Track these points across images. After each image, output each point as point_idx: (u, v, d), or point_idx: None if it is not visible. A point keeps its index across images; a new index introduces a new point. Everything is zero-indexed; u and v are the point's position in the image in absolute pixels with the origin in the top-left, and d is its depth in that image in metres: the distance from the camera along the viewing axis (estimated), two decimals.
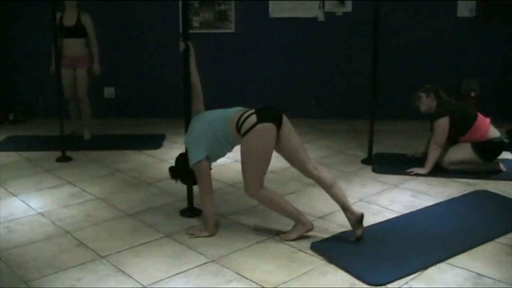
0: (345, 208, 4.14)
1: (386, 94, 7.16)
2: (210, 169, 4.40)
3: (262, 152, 4.02)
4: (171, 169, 4.46)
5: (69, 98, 6.94)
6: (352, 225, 4.12)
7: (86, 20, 6.74)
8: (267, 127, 4.00)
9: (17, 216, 4.71)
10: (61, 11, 6.65)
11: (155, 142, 6.94)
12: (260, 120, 3.99)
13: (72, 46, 6.77)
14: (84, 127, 7.02)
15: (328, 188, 4.19)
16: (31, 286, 3.58)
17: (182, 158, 4.36)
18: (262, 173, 4.08)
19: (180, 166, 4.38)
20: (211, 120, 4.23)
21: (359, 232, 4.09)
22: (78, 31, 6.73)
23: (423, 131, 6.19)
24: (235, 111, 4.18)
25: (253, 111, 4.08)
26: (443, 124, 5.55)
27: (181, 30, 4.63)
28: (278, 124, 4.04)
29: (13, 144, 6.91)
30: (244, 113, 4.09)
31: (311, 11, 7.72)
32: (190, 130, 4.32)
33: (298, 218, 4.19)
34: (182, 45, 4.46)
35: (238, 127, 4.04)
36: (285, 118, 4.12)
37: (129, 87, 8.10)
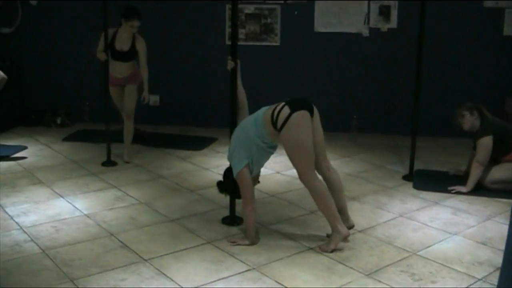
0: (342, 213, 4.29)
1: (429, 110, 7.15)
2: (258, 182, 4.49)
3: (304, 139, 4.08)
4: (219, 183, 4.54)
5: (122, 113, 6.76)
6: (333, 231, 4.23)
7: (141, 46, 6.41)
8: (302, 114, 4.07)
9: (63, 217, 4.86)
10: (114, 28, 6.37)
11: (202, 143, 7.29)
12: (293, 109, 4.06)
13: (122, 69, 6.48)
14: (124, 148, 6.62)
15: (334, 190, 4.31)
16: (77, 284, 3.69)
17: (229, 173, 4.41)
18: (311, 160, 4.13)
19: (227, 180, 4.43)
20: (244, 126, 4.31)
21: (329, 246, 4.21)
22: (130, 56, 6.46)
23: (465, 148, 6.16)
24: (263, 111, 4.25)
25: (283, 103, 4.15)
26: (486, 142, 5.52)
27: (227, 42, 4.71)
28: (311, 113, 4.12)
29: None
30: (275, 108, 4.15)
31: (356, 26, 7.76)
32: (230, 143, 4.41)
33: (335, 225, 4.22)
34: (231, 64, 4.55)
35: (274, 122, 4.10)
36: (316, 110, 4.20)
37: (174, 95, 8.24)
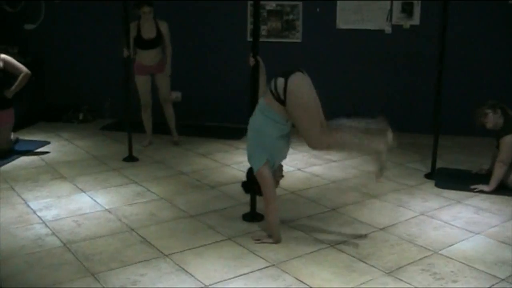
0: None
1: (450, 108, 7.08)
2: (282, 176, 4.46)
3: (307, 100, 4.09)
4: (244, 184, 4.51)
5: (145, 105, 6.95)
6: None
7: (165, 28, 6.70)
8: (296, 76, 4.10)
9: (85, 211, 4.89)
10: (136, 21, 6.61)
11: (233, 133, 7.43)
12: (286, 76, 4.08)
13: (152, 57, 6.73)
14: (172, 131, 7.14)
15: None
16: (98, 279, 3.72)
17: (251, 172, 4.37)
18: (317, 120, 4.11)
19: (251, 179, 4.39)
20: (253, 122, 4.25)
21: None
22: (158, 41, 6.71)
23: (487, 147, 6.09)
24: (261, 98, 4.25)
25: (274, 78, 4.14)
26: (510, 141, 5.45)
27: (249, 38, 4.70)
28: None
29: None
30: (269, 87, 4.14)
31: (378, 23, 7.71)
32: (247, 145, 4.36)
33: (374, 147, 4.20)
34: (252, 61, 4.54)
35: (277, 97, 4.07)
36: (306, 73, 4.21)
37: (196, 92, 8.25)
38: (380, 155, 4.18)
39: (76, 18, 8.37)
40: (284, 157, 4.41)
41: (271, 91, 4.10)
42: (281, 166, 4.48)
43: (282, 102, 4.06)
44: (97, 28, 8.25)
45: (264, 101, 4.18)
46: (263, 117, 4.16)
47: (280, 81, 4.07)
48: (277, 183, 4.44)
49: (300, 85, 4.09)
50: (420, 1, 7.53)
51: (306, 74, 4.20)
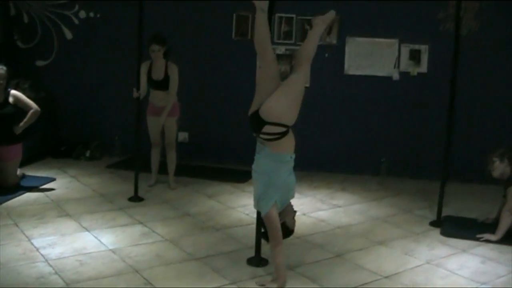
0: None
1: (459, 155, 7.08)
2: (295, 211, 4.42)
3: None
4: (264, 234, 4.45)
5: (155, 144, 6.96)
6: None
7: (173, 72, 6.66)
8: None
9: (89, 251, 4.88)
10: (149, 60, 6.67)
11: (240, 176, 7.38)
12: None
13: (160, 98, 6.74)
14: (170, 176, 7.00)
15: None
16: None
17: None
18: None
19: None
20: (258, 164, 4.26)
21: None
22: (166, 83, 6.67)
23: (496, 196, 6.07)
24: (259, 142, 4.26)
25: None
26: None
27: None
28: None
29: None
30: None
31: (387, 69, 7.79)
32: (253, 191, 4.35)
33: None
34: None
35: (270, 136, 4.11)
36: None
37: (203, 133, 8.29)
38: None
39: (88, 55, 8.46)
40: (293, 196, 4.38)
41: (257, 138, 4.18)
42: (290, 203, 4.43)
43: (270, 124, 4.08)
44: (109, 65, 8.32)
45: (267, 148, 4.16)
46: (269, 161, 4.17)
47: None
48: (293, 221, 4.41)
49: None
50: (427, 47, 7.61)
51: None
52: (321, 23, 4.31)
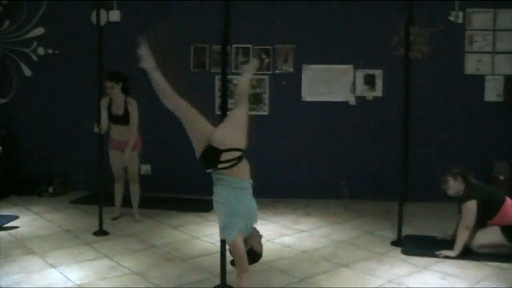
0: None
1: (418, 175, 7.28)
2: (261, 235, 4.47)
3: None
4: (232, 262, 4.45)
5: (117, 178, 7.02)
6: None
7: (132, 107, 6.76)
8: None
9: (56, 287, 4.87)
10: (110, 96, 6.74)
11: (203, 206, 7.39)
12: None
13: (122, 132, 6.82)
14: (134, 209, 7.05)
15: None
16: None
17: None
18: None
19: (259, 254, 4.43)
20: (217, 194, 4.35)
21: None
22: (126, 118, 6.77)
23: (454, 213, 6.26)
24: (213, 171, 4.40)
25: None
26: (471, 207, 5.64)
27: (217, 111, 4.87)
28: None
29: None
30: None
31: (343, 95, 8.00)
32: (218, 221, 4.42)
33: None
34: None
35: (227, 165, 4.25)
36: None
37: (165, 164, 8.34)
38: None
39: (48, 91, 8.49)
40: (256, 220, 4.43)
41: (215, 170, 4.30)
42: (255, 228, 4.49)
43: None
44: (70, 101, 8.37)
45: (227, 177, 4.27)
46: (231, 189, 4.26)
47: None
48: (260, 245, 4.45)
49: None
50: (381, 72, 7.86)
51: None
52: (247, 71, 4.83)
